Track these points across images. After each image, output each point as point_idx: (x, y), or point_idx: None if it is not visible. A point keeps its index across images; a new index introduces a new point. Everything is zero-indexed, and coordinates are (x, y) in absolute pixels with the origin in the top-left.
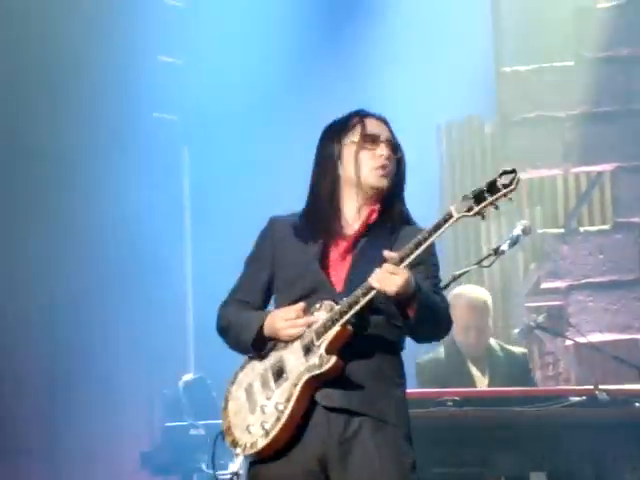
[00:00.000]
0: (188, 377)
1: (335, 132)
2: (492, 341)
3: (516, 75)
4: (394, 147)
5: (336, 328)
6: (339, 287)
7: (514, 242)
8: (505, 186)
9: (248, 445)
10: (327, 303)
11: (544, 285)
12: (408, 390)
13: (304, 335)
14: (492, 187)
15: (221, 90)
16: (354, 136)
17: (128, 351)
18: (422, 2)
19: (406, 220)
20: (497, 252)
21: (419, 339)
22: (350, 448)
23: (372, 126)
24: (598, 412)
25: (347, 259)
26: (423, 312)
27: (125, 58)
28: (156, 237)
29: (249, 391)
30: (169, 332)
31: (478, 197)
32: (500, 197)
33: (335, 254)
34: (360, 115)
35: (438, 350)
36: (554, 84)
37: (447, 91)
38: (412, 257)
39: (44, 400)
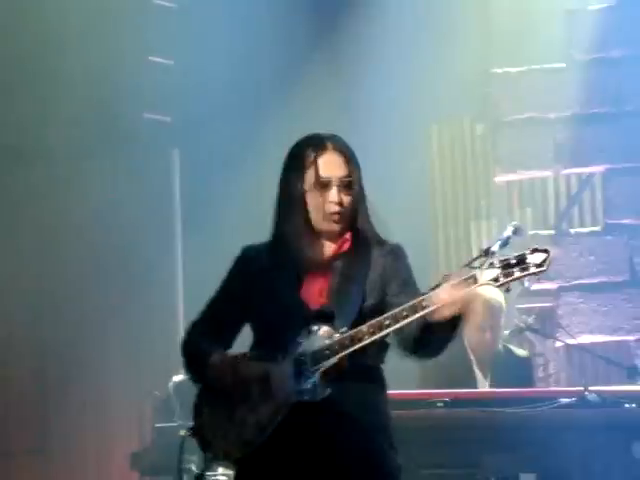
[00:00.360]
0: (178, 378)
1: (295, 175)
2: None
3: (507, 76)
4: (347, 185)
5: (334, 359)
6: (315, 306)
7: (505, 243)
8: (536, 265)
9: (220, 453)
10: (326, 329)
11: (534, 287)
12: (398, 391)
13: (296, 353)
14: (522, 261)
15: (211, 91)
16: (308, 181)
17: (118, 352)
18: (413, 2)
19: (377, 242)
20: (487, 253)
21: (421, 357)
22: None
23: (324, 168)
24: (588, 413)
25: (323, 281)
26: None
27: (115, 58)
28: (146, 239)
29: (228, 397)
30: (159, 333)
31: (505, 269)
32: (529, 275)
33: (310, 281)
34: (315, 151)
35: None
36: (545, 85)
37: (438, 92)
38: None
39: (34, 401)
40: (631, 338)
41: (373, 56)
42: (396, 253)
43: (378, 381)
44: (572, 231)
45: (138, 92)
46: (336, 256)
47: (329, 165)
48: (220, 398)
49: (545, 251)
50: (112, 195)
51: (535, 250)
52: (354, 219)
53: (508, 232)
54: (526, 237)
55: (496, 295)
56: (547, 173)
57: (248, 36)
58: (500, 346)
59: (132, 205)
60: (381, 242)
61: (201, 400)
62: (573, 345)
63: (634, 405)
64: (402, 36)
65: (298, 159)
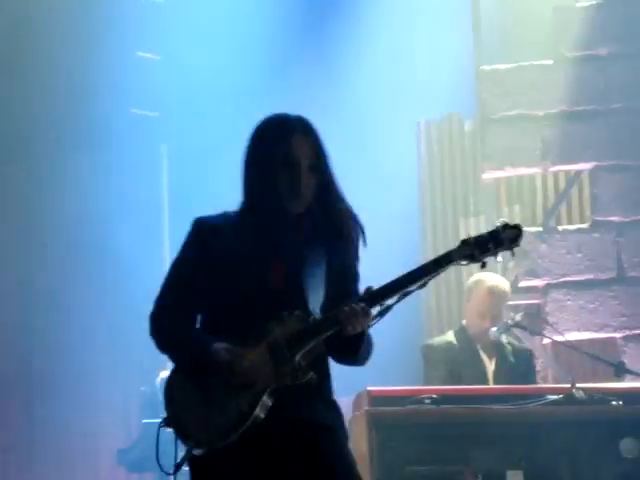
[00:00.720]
0: (165, 374)
1: (267, 151)
2: (502, 337)
3: (496, 73)
4: (315, 167)
5: (313, 342)
6: (278, 285)
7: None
8: (510, 240)
9: (202, 442)
10: (298, 314)
11: (522, 284)
12: (386, 387)
13: (271, 338)
14: (496, 237)
15: (200, 86)
16: (278, 159)
17: (105, 348)
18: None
19: (355, 220)
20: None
21: (342, 363)
22: (310, 447)
23: (296, 148)
24: (575, 410)
25: (291, 263)
26: (365, 347)
27: (102, 54)
28: (134, 234)
29: (202, 382)
30: (146, 329)
31: (481, 246)
32: (504, 250)
33: (278, 264)
34: (286, 130)
35: (448, 333)
36: (533, 83)
37: (427, 89)
38: (392, 300)
39: (21, 397)
40: (618, 335)
41: (362, 54)
42: (352, 251)
43: (327, 369)
44: (560, 228)
45: (126, 87)
46: (304, 236)
47: (300, 145)
48: (193, 383)
49: (517, 227)
50: (99, 190)
51: (507, 226)
52: (324, 201)
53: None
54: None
55: (502, 283)
56: (535, 170)
57: (236, 32)
58: (505, 339)
59: (120, 199)
60: (344, 231)
61: (172, 387)
62: (560, 342)
63: (621, 402)
64: (391, 33)
65: (268, 136)
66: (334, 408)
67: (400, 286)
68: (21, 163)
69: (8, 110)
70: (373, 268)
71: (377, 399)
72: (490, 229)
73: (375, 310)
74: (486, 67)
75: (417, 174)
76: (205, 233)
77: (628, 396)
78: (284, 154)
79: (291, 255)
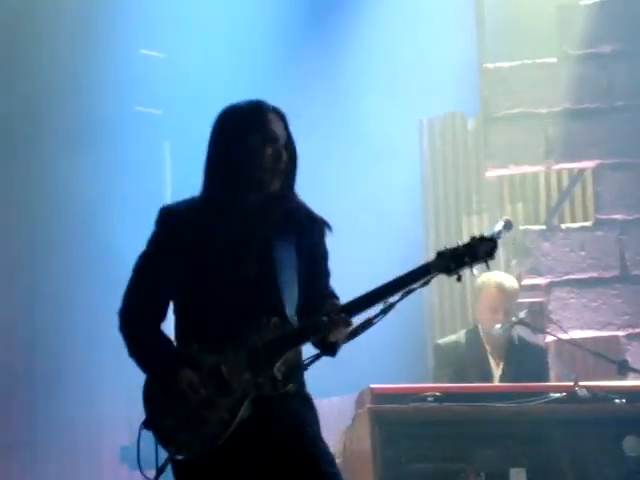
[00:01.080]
0: None
1: (240, 127)
2: (513, 332)
3: (499, 71)
4: (287, 147)
5: (291, 351)
6: (251, 276)
7: (497, 237)
8: (486, 253)
9: (184, 449)
10: (276, 321)
11: (525, 281)
12: (389, 385)
13: (248, 346)
14: (471, 251)
15: (203, 84)
16: (255, 137)
17: (108, 347)
18: None
19: (308, 213)
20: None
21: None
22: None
23: (273, 124)
24: (578, 408)
25: (265, 263)
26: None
27: (107, 51)
28: (138, 232)
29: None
30: None
31: (457, 259)
32: (479, 263)
33: (252, 264)
34: (262, 110)
35: (459, 333)
36: (537, 81)
37: (430, 87)
38: (394, 298)
39: (25, 396)
40: (621, 333)
41: (364, 51)
42: (322, 229)
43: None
44: (563, 226)
45: (129, 85)
46: (274, 220)
47: (276, 122)
48: (171, 389)
49: (492, 240)
50: (103, 187)
51: (482, 239)
52: (290, 185)
53: (499, 227)
54: (517, 232)
55: (509, 280)
56: (538, 168)
57: (238, 30)
58: (515, 335)
59: (123, 197)
60: (311, 213)
61: (151, 389)
62: (564, 340)
63: (624, 400)
64: (393, 31)
65: (243, 114)
66: (307, 402)
67: (378, 297)
68: (25, 162)
69: (11, 108)
70: (376, 265)
71: (380, 396)
72: (494, 226)
73: (378, 308)
74: (489, 65)
75: (420, 172)
76: (172, 221)
77: (631, 394)
78: (263, 129)
79: (263, 243)
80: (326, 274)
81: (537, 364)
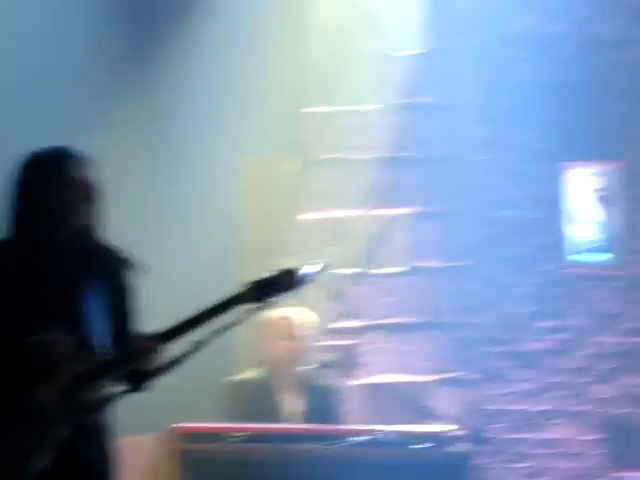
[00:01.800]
0: None
1: (41, 176)
2: (301, 373)
3: (317, 116)
4: (89, 189)
5: (102, 380)
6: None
7: (309, 280)
8: (286, 286)
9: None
10: (88, 352)
11: (338, 324)
12: (191, 424)
13: (61, 376)
14: (276, 282)
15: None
16: (56, 182)
17: None
18: (227, 35)
19: (110, 249)
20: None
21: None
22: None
23: (73, 172)
24: (379, 452)
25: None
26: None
27: None
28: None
29: None
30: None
31: (263, 288)
32: (281, 295)
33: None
34: (63, 157)
35: (254, 371)
36: (355, 127)
37: (249, 128)
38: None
39: None
40: (431, 378)
41: (190, 85)
42: (124, 265)
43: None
44: (377, 271)
45: None
46: (82, 268)
47: (76, 170)
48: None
49: (292, 273)
50: None
51: (286, 272)
52: (93, 226)
53: (314, 268)
54: (332, 275)
55: (296, 310)
56: (356, 213)
57: (58, 40)
58: (304, 376)
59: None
60: (113, 251)
61: None
62: (370, 384)
63: (426, 445)
64: (215, 70)
65: (46, 164)
66: (105, 437)
67: (189, 325)
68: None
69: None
70: (189, 298)
71: (185, 436)
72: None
73: (189, 344)
74: (308, 110)
75: (238, 213)
76: None
77: (430, 438)
78: (65, 175)
79: (70, 279)
80: (130, 310)
81: (327, 404)
